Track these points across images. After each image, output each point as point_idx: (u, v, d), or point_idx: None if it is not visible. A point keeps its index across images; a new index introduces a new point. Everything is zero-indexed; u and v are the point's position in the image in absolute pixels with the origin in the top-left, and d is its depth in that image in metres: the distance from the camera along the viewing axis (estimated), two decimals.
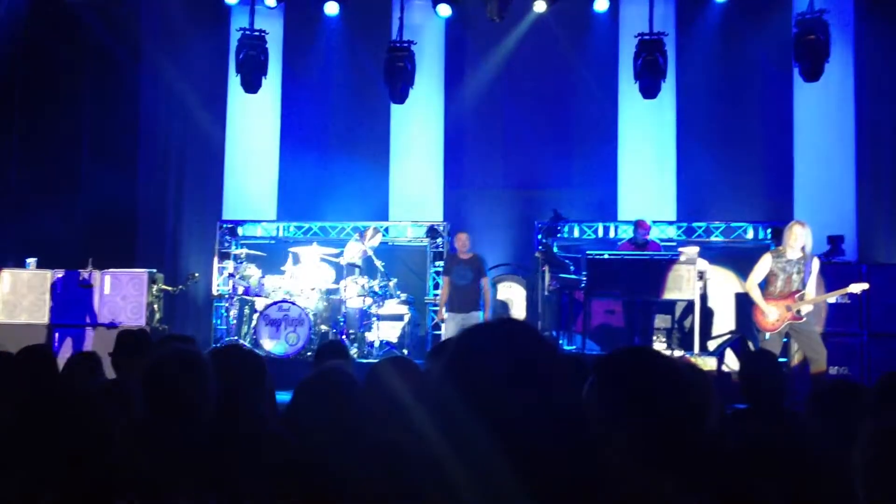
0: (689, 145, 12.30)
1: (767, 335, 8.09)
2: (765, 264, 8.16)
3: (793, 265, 8.05)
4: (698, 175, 12.14)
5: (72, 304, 10.36)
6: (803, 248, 8.03)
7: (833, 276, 9.05)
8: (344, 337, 10.16)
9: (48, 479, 2.38)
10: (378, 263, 10.48)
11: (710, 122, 12.25)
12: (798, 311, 7.98)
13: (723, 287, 11.22)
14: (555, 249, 10.61)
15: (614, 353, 2.13)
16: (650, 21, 11.55)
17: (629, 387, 1.95)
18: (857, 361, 8.84)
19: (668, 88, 12.08)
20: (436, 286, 11.84)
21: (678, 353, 9.71)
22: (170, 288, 10.97)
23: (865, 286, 8.18)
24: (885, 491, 1.92)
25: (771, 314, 8.02)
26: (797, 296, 7.99)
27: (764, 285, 8.21)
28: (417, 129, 12.87)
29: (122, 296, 10.36)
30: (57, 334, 10.29)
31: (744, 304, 10.38)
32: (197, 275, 11.31)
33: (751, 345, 9.69)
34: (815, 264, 8.11)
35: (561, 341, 9.61)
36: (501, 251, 11.92)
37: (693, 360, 8.68)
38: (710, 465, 1.89)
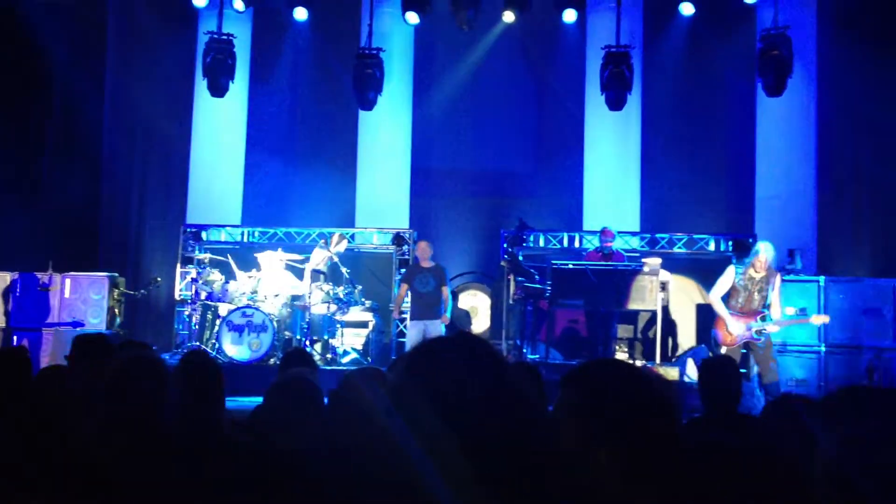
0: (653, 157, 12.43)
1: (725, 349, 8.12)
2: (728, 278, 8.20)
3: (755, 283, 8.10)
4: (662, 187, 12.27)
5: (30, 307, 10.22)
6: (767, 268, 8.09)
7: (793, 289, 9.19)
8: (308, 343, 10.11)
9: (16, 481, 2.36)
10: (343, 270, 10.45)
11: (674, 135, 12.39)
12: (758, 332, 8.03)
13: (685, 298, 11.34)
14: (520, 258, 10.65)
15: (584, 366, 2.15)
16: (617, 33, 11.66)
17: (601, 399, 1.96)
18: (816, 374, 8.96)
19: (634, 101, 12.20)
20: None
21: (640, 362, 9.80)
22: (132, 292, 10.86)
23: (826, 319, 8.28)
24: (842, 498, 1.96)
25: (734, 329, 8.06)
26: (759, 317, 8.03)
27: (725, 298, 8.29)
28: (385, 137, 12.87)
29: (83, 299, 10.24)
30: (15, 337, 10.14)
31: (705, 315, 10.51)
32: (159, 279, 11.21)
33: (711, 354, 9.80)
34: (778, 281, 8.18)
35: (524, 350, 9.64)
36: (467, 259, 11.95)
37: (656, 370, 8.76)
38: (678, 475, 1.91)
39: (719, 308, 8.19)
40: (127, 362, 3.05)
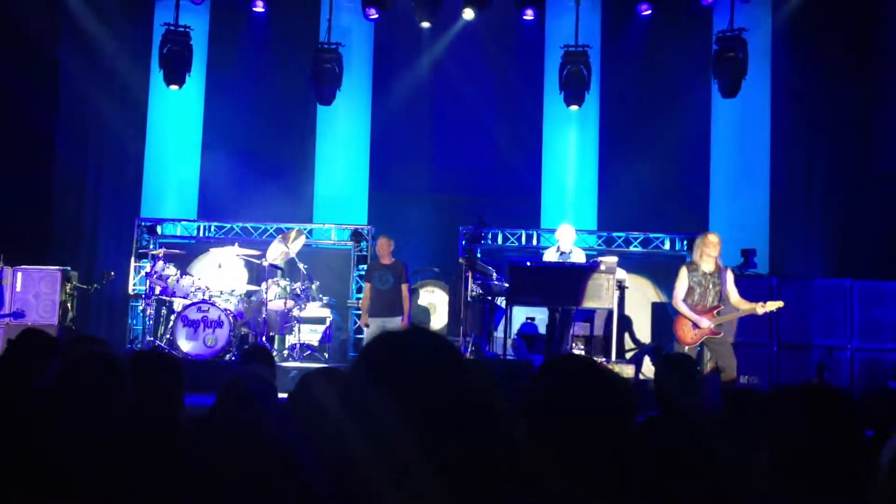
0: (610, 156, 12.54)
1: (686, 348, 8.10)
2: (683, 278, 8.16)
3: (707, 279, 8.08)
4: (619, 186, 12.38)
5: None
6: (717, 261, 8.09)
7: (746, 288, 9.31)
8: (264, 339, 10.04)
9: None
10: (301, 266, 10.39)
11: (631, 134, 12.50)
12: (718, 327, 7.99)
13: (640, 296, 11.46)
14: (478, 256, 10.68)
15: (551, 362, 2.17)
16: (576, 33, 11.75)
17: (569, 396, 1.98)
18: (767, 371, 9.11)
19: (592, 100, 12.32)
20: (359, 289, 11.81)
21: (597, 359, 9.87)
22: (85, 286, 10.69)
23: (780, 304, 8.32)
24: (786, 490, 2.00)
25: (702, 324, 7.96)
26: (715, 311, 8.01)
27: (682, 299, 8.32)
28: (343, 132, 12.83)
29: (35, 293, 10.06)
30: None
31: (660, 313, 10.65)
32: (112, 273, 11.03)
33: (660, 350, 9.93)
34: (730, 276, 8.21)
35: (482, 347, 9.68)
36: (425, 256, 11.94)
37: (611, 367, 8.83)
38: (631, 472, 1.94)
39: (684, 310, 8.08)
40: (82, 358, 3.01)
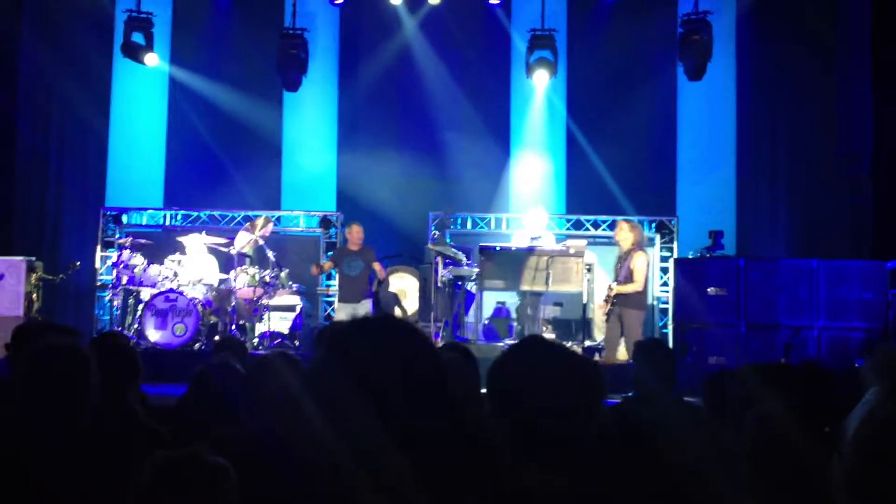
0: (578, 140, 12.57)
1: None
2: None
3: (619, 260, 9.13)
4: (587, 169, 12.42)
5: None
6: (631, 244, 9.01)
7: (715, 270, 9.42)
8: (234, 327, 9.97)
9: None
10: (269, 253, 10.32)
11: (598, 117, 12.52)
12: (612, 302, 8.92)
13: (609, 280, 11.51)
14: (448, 241, 10.68)
15: (516, 344, 2.17)
16: (542, 16, 11.74)
17: (527, 377, 1.97)
18: (735, 352, 9.20)
19: (560, 83, 12.35)
20: (328, 277, 11.76)
21: (567, 343, 9.93)
22: (50, 277, 10.55)
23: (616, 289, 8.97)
24: (763, 473, 2.01)
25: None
26: (609, 285, 9.09)
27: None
28: (310, 118, 12.75)
29: None
30: None
31: None
32: (78, 263, 10.87)
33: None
34: (636, 256, 8.94)
35: (453, 332, 9.69)
36: (395, 242, 11.90)
37: (580, 350, 8.90)
38: (597, 456, 1.94)
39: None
40: (46, 350, 2.97)
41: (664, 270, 11.58)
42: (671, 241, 11.74)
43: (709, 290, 9.22)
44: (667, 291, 11.33)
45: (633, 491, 1.98)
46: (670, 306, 10.14)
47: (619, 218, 11.71)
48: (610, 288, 8.99)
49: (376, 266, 9.83)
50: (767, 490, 1.99)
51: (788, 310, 9.20)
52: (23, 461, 2.61)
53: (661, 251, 11.81)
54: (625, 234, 9.08)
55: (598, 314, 9.90)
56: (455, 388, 2.89)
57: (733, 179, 12.30)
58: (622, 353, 8.75)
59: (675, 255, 11.25)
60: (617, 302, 8.87)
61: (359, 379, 1.68)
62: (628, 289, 8.87)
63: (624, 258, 8.97)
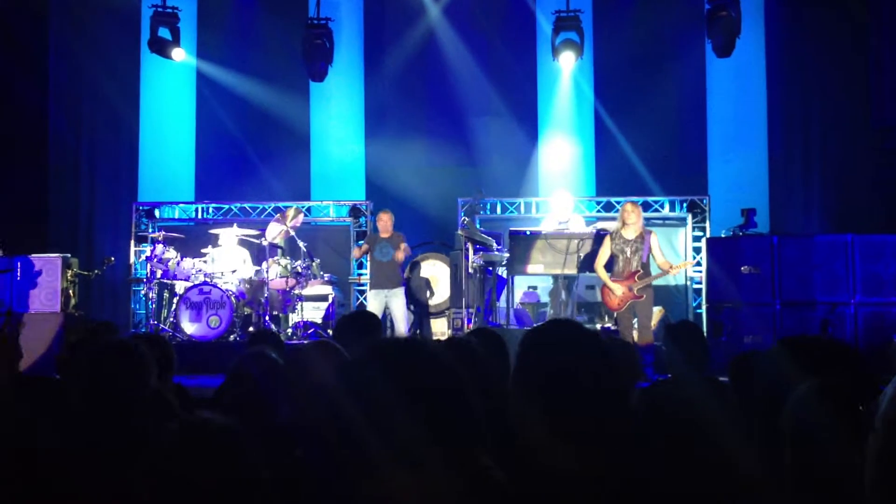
0: (605, 121, 12.47)
1: (616, 313, 8.68)
2: (606, 247, 8.70)
3: (629, 245, 8.56)
4: (616, 150, 12.32)
5: None
6: (640, 227, 8.59)
7: (748, 248, 9.32)
8: (267, 318, 10.05)
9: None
10: (300, 244, 10.37)
11: (626, 98, 12.40)
12: (638, 290, 8.47)
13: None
14: (478, 226, 10.66)
15: (539, 326, 2.16)
16: None
17: (553, 359, 1.96)
18: (771, 330, 9.11)
19: (586, 65, 12.25)
20: (360, 265, 11.81)
21: (601, 326, 9.90)
22: (85, 272, 10.68)
23: (688, 263, 8.92)
24: (811, 450, 1.99)
25: (617, 292, 8.51)
26: (636, 276, 8.48)
27: (609, 267, 8.71)
28: (337, 107, 12.77)
29: (35, 282, 10.04)
30: None
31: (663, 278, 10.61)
32: (112, 258, 10.99)
33: (669, 317, 9.95)
34: (653, 239, 8.61)
35: (485, 317, 9.69)
36: (425, 229, 11.91)
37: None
38: (630, 437, 1.93)
39: (602, 275, 8.69)
40: (106, 349, 2.99)
41: (696, 250, 11.47)
42: (703, 221, 11.62)
43: (742, 268, 9.13)
44: (700, 271, 11.23)
45: (665, 469, 1.97)
46: (704, 286, 10.04)
47: (648, 199, 11.66)
48: (639, 277, 8.50)
49: (402, 245, 9.81)
50: (804, 475, 1.97)
51: (824, 286, 9.09)
52: (81, 459, 2.63)
53: (693, 231, 11.69)
54: (636, 216, 8.68)
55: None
56: (485, 375, 2.89)
57: (765, 156, 12.15)
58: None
59: (708, 235, 11.14)
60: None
61: (401, 380, 1.69)
62: (662, 271, 8.72)
63: (640, 240, 8.57)
